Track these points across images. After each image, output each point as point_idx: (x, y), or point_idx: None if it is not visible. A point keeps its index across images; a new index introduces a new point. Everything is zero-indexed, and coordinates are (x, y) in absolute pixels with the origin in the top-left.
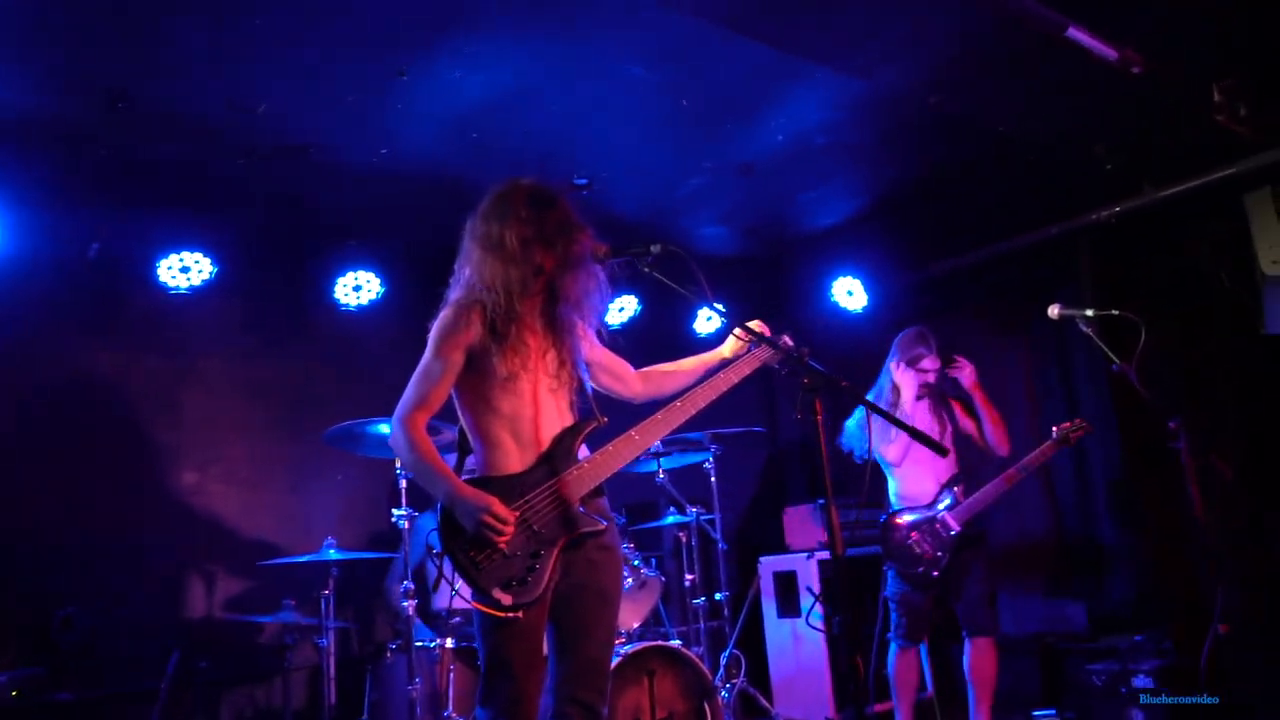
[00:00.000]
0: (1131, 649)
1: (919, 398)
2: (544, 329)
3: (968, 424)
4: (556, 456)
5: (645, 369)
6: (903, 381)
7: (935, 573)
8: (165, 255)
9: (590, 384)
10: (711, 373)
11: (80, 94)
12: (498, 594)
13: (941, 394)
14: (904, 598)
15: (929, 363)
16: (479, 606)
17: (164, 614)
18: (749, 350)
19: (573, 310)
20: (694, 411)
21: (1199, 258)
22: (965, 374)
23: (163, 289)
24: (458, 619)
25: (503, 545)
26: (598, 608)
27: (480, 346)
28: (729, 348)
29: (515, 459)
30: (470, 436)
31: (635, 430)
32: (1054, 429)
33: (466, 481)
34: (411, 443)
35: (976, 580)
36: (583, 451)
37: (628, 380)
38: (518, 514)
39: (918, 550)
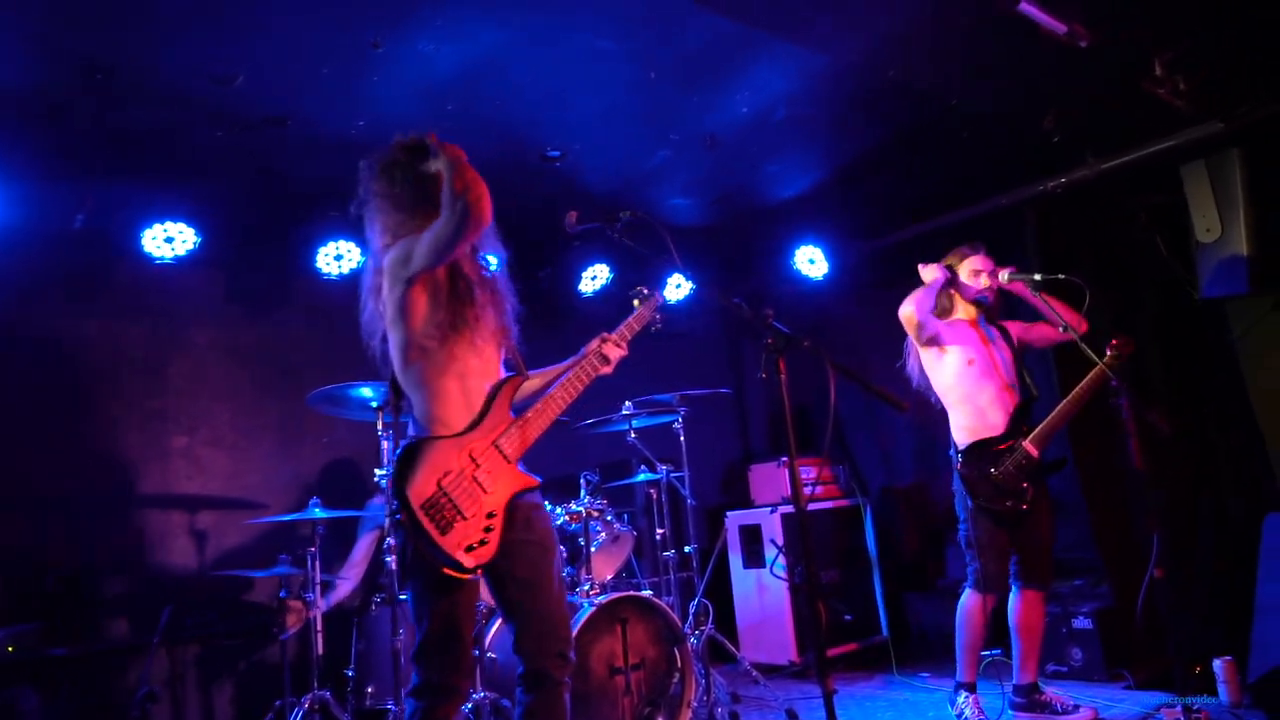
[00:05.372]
0: (1072, 593)
1: (979, 301)
2: (479, 281)
3: (1039, 332)
4: (494, 412)
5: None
6: (968, 276)
7: (1024, 505)
8: (150, 225)
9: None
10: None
11: (58, 65)
12: (460, 556)
13: (989, 310)
14: (989, 539)
15: (981, 261)
16: (447, 571)
17: (155, 572)
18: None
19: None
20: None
21: (1138, 227)
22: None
23: (148, 259)
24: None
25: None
26: (542, 559)
27: (436, 292)
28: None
29: (459, 413)
30: (412, 389)
31: (555, 389)
32: (1108, 349)
33: (412, 442)
34: None
35: (1043, 525)
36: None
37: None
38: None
39: (1004, 483)
